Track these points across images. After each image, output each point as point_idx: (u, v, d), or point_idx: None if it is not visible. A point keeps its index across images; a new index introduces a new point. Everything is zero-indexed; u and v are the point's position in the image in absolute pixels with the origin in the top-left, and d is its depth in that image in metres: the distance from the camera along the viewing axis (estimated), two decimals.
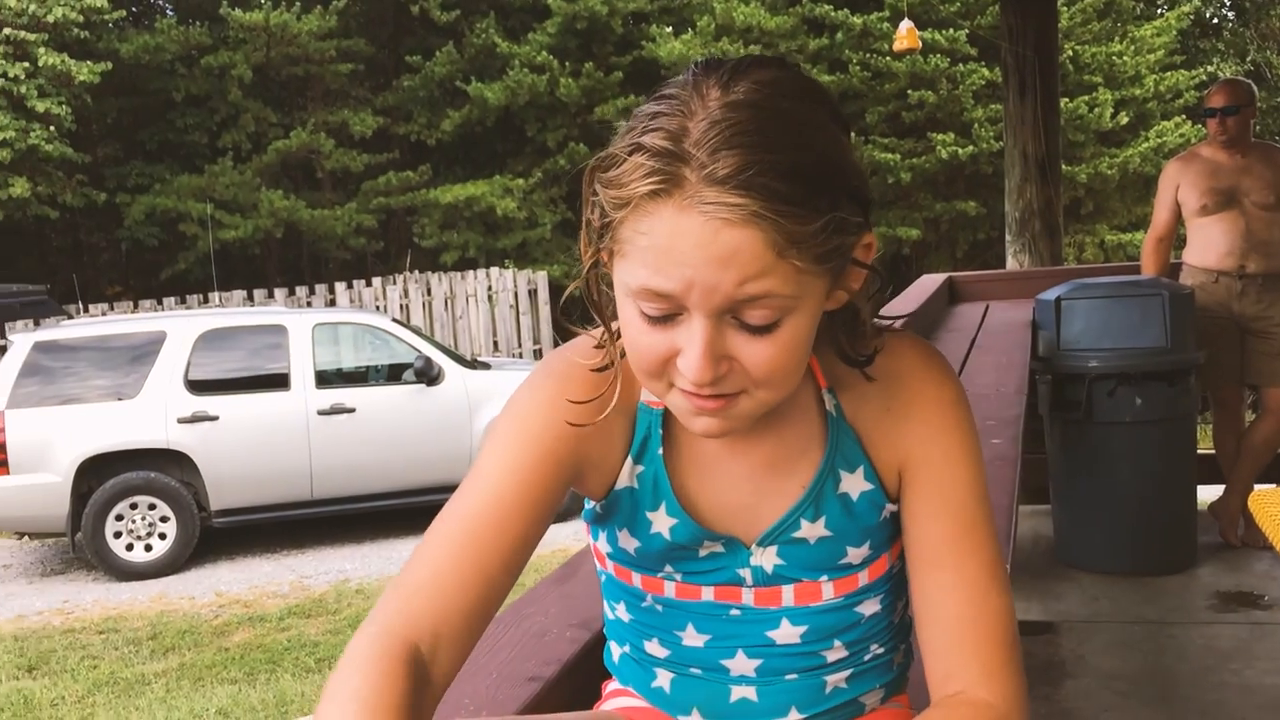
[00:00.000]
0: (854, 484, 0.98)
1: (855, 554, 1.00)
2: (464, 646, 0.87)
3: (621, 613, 1.07)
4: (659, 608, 1.03)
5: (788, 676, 1.01)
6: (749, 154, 0.78)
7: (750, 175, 0.78)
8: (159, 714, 5.04)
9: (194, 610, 6.81)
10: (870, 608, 1.02)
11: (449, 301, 13.60)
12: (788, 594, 1.00)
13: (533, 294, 13.93)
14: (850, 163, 0.85)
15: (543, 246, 19.08)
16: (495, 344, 13.61)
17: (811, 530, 0.98)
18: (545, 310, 13.77)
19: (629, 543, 1.01)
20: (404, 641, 0.82)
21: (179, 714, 5.01)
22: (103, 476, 7.65)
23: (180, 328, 8.06)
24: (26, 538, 8.24)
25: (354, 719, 0.75)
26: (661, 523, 0.98)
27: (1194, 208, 4.50)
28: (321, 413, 7.99)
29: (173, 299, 13.63)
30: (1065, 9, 16.76)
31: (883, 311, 0.98)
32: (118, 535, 7.63)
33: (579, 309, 0.97)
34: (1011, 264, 5.96)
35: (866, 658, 1.03)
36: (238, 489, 7.86)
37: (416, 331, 9.02)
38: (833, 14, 17.59)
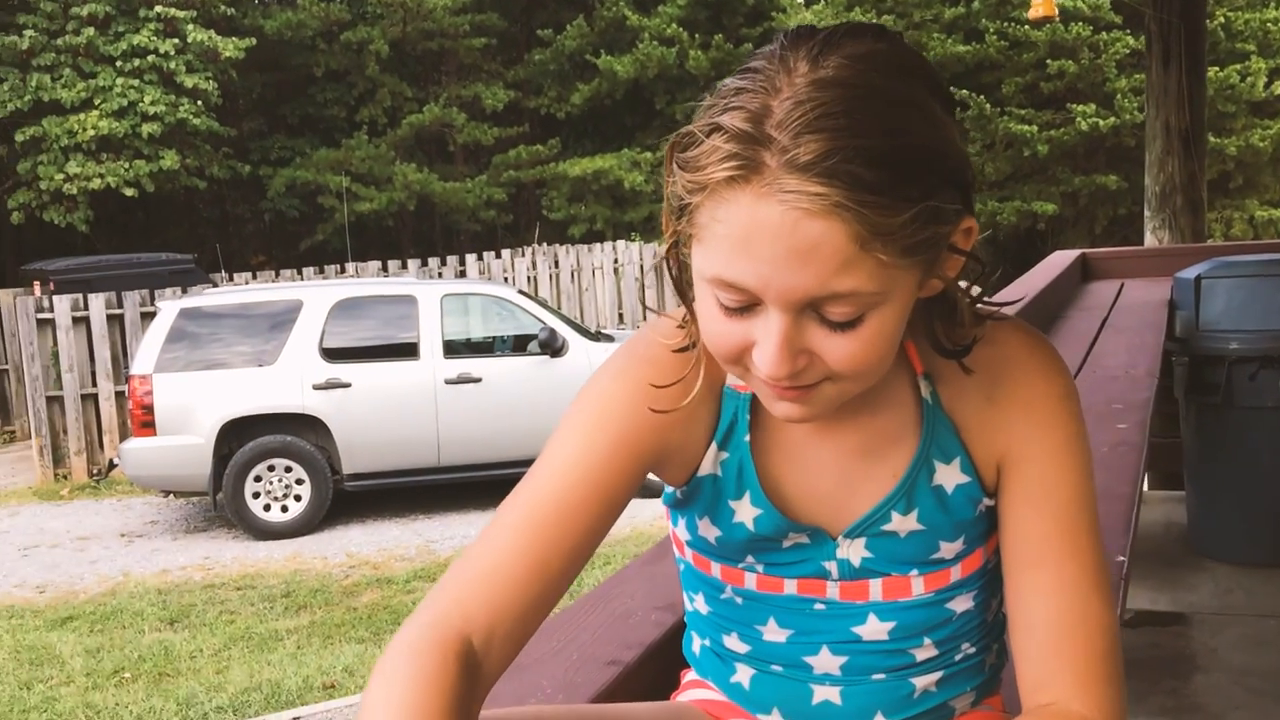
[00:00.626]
0: (949, 476, 0.93)
1: (948, 548, 0.94)
2: (518, 642, 0.85)
3: (700, 604, 1.03)
4: (739, 600, 0.99)
5: (874, 676, 0.97)
6: (835, 138, 0.73)
7: (835, 162, 0.73)
8: (289, 669, 5.24)
9: (326, 570, 7.06)
10: (962, 604, 0.96)
11: (575, 274, 13.73)
12: (875, 588, 0.95)
13: (658, 268, 13.92)
14: (950, 145, 0.79)
15: None
16: (620, 316, 13.70)
17: (903, 523, 0.93)
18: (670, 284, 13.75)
19: (709, 531, 0.96)
20: (459, 634, 0.81)
21: (308, 669, 5.21)
22: (243, 439, 7.98)
23: (316, 297, 8.33)
24: (172, 496, 8.63)
25: (402, 707, 0.75)
26: (745, 513, 0.94)
27: None
28: (449, 382, 8.18)
29: (311, 269, 14.05)
30: None
31: (1002, 293, 0.94)
32: (256, 496, 7.95)
33: None
34: (1150, 240, 5.75)
35: (957, 657, 0.98)
36: (368, 454, 8.11)
37: (542, 303, 9.14)
38: None
